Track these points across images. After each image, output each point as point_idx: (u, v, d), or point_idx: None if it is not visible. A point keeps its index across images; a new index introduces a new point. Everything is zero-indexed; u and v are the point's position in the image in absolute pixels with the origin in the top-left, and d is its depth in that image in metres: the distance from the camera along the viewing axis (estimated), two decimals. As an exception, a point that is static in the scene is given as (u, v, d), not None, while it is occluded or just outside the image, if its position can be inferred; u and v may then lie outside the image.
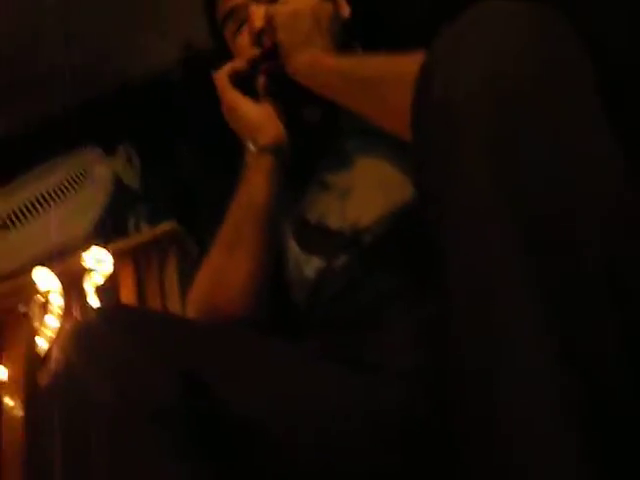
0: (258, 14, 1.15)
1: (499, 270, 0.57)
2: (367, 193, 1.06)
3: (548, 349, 0.53)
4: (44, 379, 0.83)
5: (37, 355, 1.61)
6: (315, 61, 1.07)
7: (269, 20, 1.13)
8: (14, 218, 2.25)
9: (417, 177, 0.69)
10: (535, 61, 0.63)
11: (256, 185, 1.09)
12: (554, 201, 0.58)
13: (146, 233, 2.06)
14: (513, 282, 0.56)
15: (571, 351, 0.53)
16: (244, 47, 1.19)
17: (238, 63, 1.18)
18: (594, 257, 0.56)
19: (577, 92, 0.63)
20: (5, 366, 1.84)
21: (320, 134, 1.19)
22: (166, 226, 1.99)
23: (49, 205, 2.26)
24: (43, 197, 2.26)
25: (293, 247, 1.12)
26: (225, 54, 1.25)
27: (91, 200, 2.26)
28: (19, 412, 1.73)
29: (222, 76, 1.17)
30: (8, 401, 1.74)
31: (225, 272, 1.07)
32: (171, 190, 2.21)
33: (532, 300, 0.55)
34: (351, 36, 1.20)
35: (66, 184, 2.29)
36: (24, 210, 2.25)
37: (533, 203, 0.58)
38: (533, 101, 0.61)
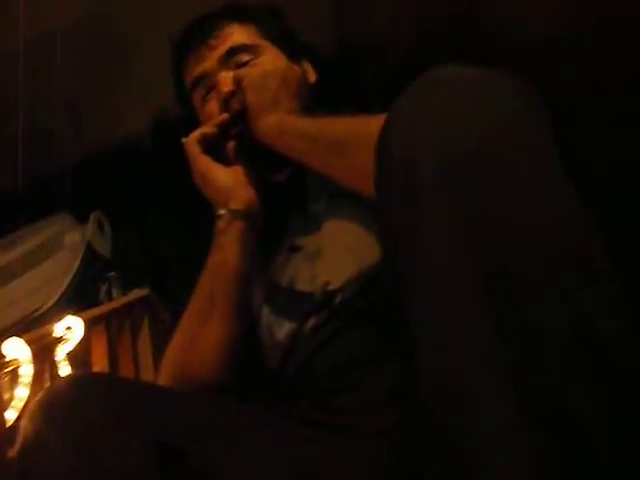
0: (227, 79, 1.17)
1: (464, 329, 0.57)
2: (337, 255, 1.06)
3: (513, 406, 0.54)
4: (13, 451, 0.81)
5: (6, 427, 1.58)
6: (282, 123, 1.09)
7: (238, 83, 1.15)
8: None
9: (382, 237, 0.70)
10: (489, 120, 0.65)
11: (228, 251, 1.09)
12: (516, 257, 0.59)
13: (118, 300, 2.04)
14: (478, 341, 0.56)
15: (536, 406, 0.54)
16: (213, 113, 1.20)
17: (207, 128, 1.19)
18: (558, 314, 0.56)
19: (531, 148, 0.65)
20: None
21: (289, 197, 1.19)
22: (138, 293, 1.98)
23: (20, 273, 2.24)
24: (14, 264, 2.25)
25: (265, 311, 1.12)
26: (194, 121, 1.27)
27: (63, 267, 2.24)
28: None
29: (192, 142, 1.18)
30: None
31: (197, 341, 1.07)
32: (143, 257, 2.21)
33: (497, 357, 0.55)
34: (317, 101, 1.22)
35: (37, 251, 2.27)
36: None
37: (495, 260, 0.58)
38: (489, 159, 0.62)
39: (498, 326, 0.56)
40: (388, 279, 0.68)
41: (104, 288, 2.17)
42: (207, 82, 1.23)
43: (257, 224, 1.12)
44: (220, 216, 1.12)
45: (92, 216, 2.31)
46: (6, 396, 1.63)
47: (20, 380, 1.68)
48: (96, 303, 2.09)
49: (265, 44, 1.24)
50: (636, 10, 0.64)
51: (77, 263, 2.25)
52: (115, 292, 2.14)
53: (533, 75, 0.76)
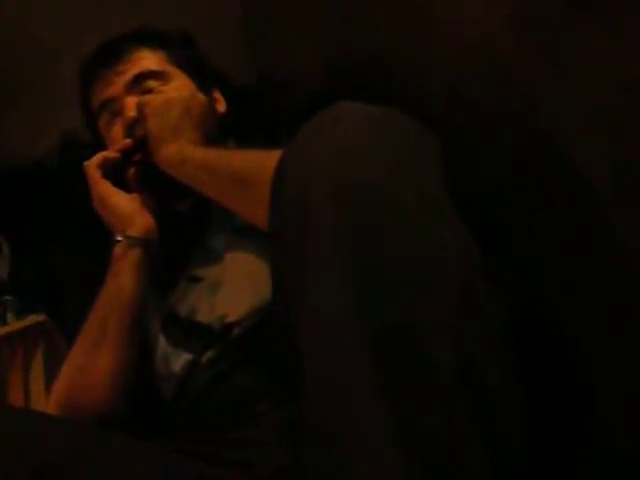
0: (131, 104, 1.16)
1: (350, 375, 0.57)
2: (236, 288, 1.05)
3: (393, 446, 0.54)
4: None
5: None
6: (182, 152, 1.08)
7: (140, 109, 1.14)
8: None
9: (274, 275, 0.70)
10: (382, 157, 0.66)
11: (123, 278, 1.07)
12: (403, 303, 0.59)
13: (12, 325, 1.98)
14: (362, 386, 0.56)
15: (419, 451, 0.54)
16: (117, 138, 1.19)
17: (109, 153, 1.17)
18: (444, 352, 0.57)
19: (420, 185, 0.66)
20: None
21: (190, 227, 1.18)
22: (34, 318, 1.93)
23: None
24: None
25: (161, 341, 1.10)
26: (99, 145, 1.25)
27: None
28: None
29: (92, 166, 1.16)
30: None
31: (87, 370, 1.04)
32: (41, 282, 2.15)
33: (379, 394, 0.56)
34: (226, 131, 1.21)
35: None
36: None
37: (381, 304, 0.59)
38: (382, 199, 0.63)
39: (385, 362, 0.57)
40: (279, 314, 0.67)
41: (-1, 311, 2.11)
42: (113, 107, 1.22)
43: (154, 252, 1.10)
44: (117, 242, 1.10)
45: (-10, 237, 2.25)
46: None
47: None
48: (-11, 327, 2.03)
49: (174, 71, 1.24)
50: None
51: (-28, 285, 2.18)
52: (10, 316, 2.08)
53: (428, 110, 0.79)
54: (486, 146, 0.77)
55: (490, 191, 0.78)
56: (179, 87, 1.21)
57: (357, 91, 0.98)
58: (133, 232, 1.10)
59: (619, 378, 0.67)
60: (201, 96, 1.20)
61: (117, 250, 1.10)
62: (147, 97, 1.16)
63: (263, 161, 0.90)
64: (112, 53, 1.24)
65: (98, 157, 1.17)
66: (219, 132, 1.20)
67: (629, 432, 0.67)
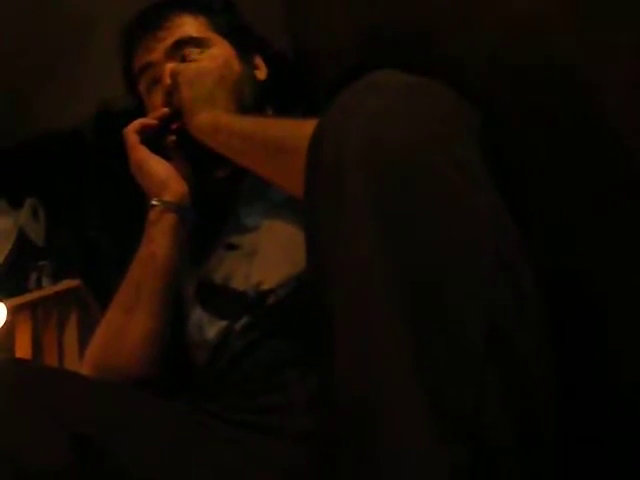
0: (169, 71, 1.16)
1: (381, 343, 0.57)
2: (272, 256, 1.06)
3: (425, 412, 0.54)
4: None
5: None
6: (216, 121, 1.08)
7: (173, 78, 1.14)
8: None
9: (307, 240, 0.70)
10: (417, 125, 0.65)
11: (157, 242, 1.08)
12: (436, 261, 0.59)
13: (47, 289, 2.01)
14: (393, 355, 0.57)
15: (451, 421, 0.54)
16: (157, 105, 1.19)
17: (148, 120, 1.18)
18: (477, 321, 0.57)
19: (458, 154, 0.65)
20: None
21: (226, 196, 1.19)
22: (68, 283, 1.95)
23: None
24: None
25: (196, 308, 1.11)
26: (138, 113, 1.25)
27: (-8, 253, 2.20)
28: None
29: (131, 132, 1.17)
30: None
31: (121, 333, 1.05)
32: (76, 247, 2.17)
33: (410, 365, 0.56)
34: (265, 99, 1.21)
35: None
36: None
37: (414, 265, 0.59)
38: (416, 165, 0.63)
39: (416, 332, 0.57)
40: (313, 282, 0.67)
41: (34, 276, 2.13)
42: (153, 73, 1.22)
43: (188, 218, 1.11)
44: (152, 207, 1.11)
45: (27, 202, 2.27)
46: None
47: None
48: (25, 290, 2.05)
49: (215, 37, 1.24)
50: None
51: (8, 249, 2.21)
52: (45, 281, 2.10)
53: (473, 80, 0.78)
54: (527, 115, 0.76)
55: (528, 159, 0.78)
56: (217, 55, 1.21)
57: (395, 60, 0.97)
58: (168, 197, 1.11)
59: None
60: (236, 64, 1.21)
61: (152, 215, 1.11)
62: (180, 66, 1.16)
63: (299, 129, 0.90)
64: (153, 18, 1.24)
65: (136, 123, 1.18)
66: (258, 100, 1.19)
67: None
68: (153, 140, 1.16)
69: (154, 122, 1.17)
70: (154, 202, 1.11)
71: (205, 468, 0.85)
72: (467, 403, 0.54)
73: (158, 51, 1.22)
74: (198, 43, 1.22)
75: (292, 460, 0.86)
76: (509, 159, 0.77)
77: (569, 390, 0.65)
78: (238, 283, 1.07)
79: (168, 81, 1.16)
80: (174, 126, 1.15)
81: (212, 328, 1.06)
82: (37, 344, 1.79)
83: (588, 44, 0.65)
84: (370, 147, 0.64)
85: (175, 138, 1.16)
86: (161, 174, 1.13)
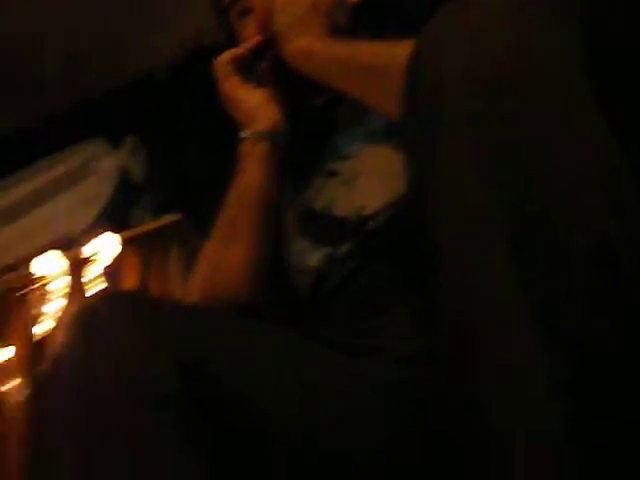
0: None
1: (487, 261, 0.57)
2: (372, 182, 1.05)
3: (533, 331, 0.54)
4: (45, 363, 0.82)
5: (38, 339, 1.61)
6: (310, 47, 1.07)
7: (267, 5, 1.13)
8: (21, 208, 2.26)
9: (407, 162, 0.69)
10: (521, 46, 0.63)
11: (251, 172, 1.08)
12: (542, 182, 0.58)
13: (150, 224, 2.06)
14: (500, 272, 0.56)
15: (557, 333, 0.54)
16: (248, 35, 1.19)
17: (239, 50, 1.17)
18: (584, 242, 0.56)
19: (564, 76, 0.63)
20: (7, 348, 1.84)
21: (324, 123, 1.18)
22: (170, 218, 2.00)
23: (55, 196, 2.27)
24: (49, 188, 2.27)
25: (297, 236, 1.12)
26: (230, 43, 1.25)
27: (96, 191, 2.27)
28: (19, 396, 1.73)
29: (222, 62, 1.16)
30: (9, 385, 1.75)
31: (222, 260, 1.06)
32: (176, 182, 2.22)
33: (520, 282, 0.55)
34: (360, 22, 1.19)
35: (72, 176, 2.30)
36: (31, 201, 2.26)
37: (520, 184, 0.58)
38: (519, 86, 0.61)
39: (523, 252, 0.56)
40: (414, 206, 0.67)
41: (137, 212, 2.19)
42: (243, 3, 1.21)
43: (282, 146, 1.10)
44: (244, 139, 1.11)
45: (127, 141, 2.32)
46: (37, 310, 1.66)
47: (48, 297, 1.70)
48: (129, 226, 2.12)
49: None
50: None
51: (111, 187, 2.27)
52: (147, 217, 2.16)
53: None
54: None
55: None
56: None
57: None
58: (258, 126, 1.10)
59: None
60: None
61: (244, 147, 1.10)
62: None
63: (395, 51, 0.89)
64: None
65: (227, 54, 1.17)
66: (352, 23, 1.18)
67: None
68: (246, 71, 1.16)
69: (245, 52, 1.16)
70: (244, 134, 1.11)
71: (302, 387, 0.86)
72: (575, 316, 0.54)
73: None
74: None
75: (394, 379, 0.87)
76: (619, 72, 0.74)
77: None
78: (339, 209, 1.07)
79: (261, 9, 1.15)
80: (269, 55, 1.14)
81: (314, 255, 1.07)
82: (143, 276, 1.85)
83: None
84: (466, 68, 0.62)
85: (268, 67, 1.15)
86: (251, 103, 1.13)
